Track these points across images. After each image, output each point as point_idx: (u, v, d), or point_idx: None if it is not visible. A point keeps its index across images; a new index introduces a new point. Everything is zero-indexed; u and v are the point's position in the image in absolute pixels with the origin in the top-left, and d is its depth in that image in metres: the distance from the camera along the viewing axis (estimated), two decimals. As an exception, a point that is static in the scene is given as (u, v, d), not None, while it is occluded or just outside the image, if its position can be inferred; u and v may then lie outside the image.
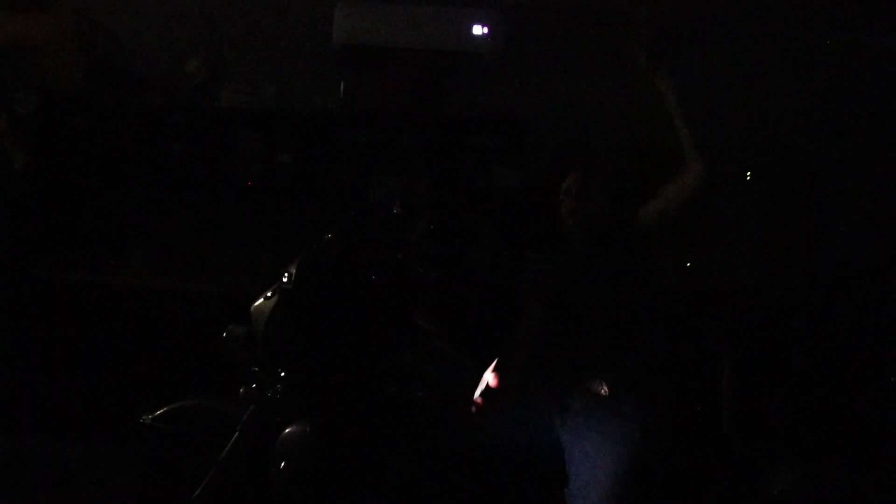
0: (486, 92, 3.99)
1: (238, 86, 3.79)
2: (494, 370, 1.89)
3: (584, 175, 2.14)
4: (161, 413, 2.20)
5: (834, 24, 3.96)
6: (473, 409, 1.89)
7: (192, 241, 3.76)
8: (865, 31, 3.95)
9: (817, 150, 3.93)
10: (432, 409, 1.98)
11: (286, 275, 2.05)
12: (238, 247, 3.71)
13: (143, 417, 2.21)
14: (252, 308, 2.16)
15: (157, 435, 2.19)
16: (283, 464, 1.89)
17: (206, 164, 3.71)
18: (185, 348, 3.29)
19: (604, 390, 1.91)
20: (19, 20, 3.67)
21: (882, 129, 3.90)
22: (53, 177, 3.70)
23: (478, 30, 3.61)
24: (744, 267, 3.83)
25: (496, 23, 3.64)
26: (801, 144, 3.93)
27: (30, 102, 3.60)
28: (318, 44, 3.96)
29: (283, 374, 2.03)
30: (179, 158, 3.71)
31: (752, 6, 3.96)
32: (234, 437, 2.02)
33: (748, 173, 3.91)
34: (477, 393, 1.90)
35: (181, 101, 3.81)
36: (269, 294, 2.13)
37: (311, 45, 4.01)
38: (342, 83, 3.75)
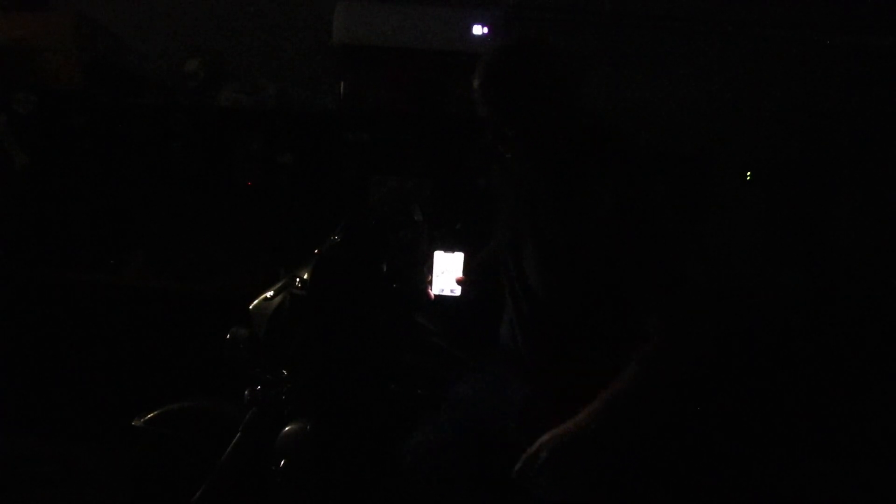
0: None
1: (238, 86, 3.80)
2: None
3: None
4: (152, 416, 2.18)
5: (834, 24, 3.96)
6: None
7: (192, 241, 3.75)
8: (865, 31, 3.95)
9: (817, 149, 3.93)
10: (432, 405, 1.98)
11: (297, 280, 2.03)
12: (238, 247, 3.71)
13: (135, 421, 2.19)
14: (251, 307, 2.15)
15: (149, 438, 2.18)
16: (282, 462, 1.88)
17: (206, 164, 3.70)
18: (184, 348, 3.29)
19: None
20: (19, 20, 3.67)
21: (882, 128, 3.90)
22: (53, 177, 3.69)
23: (478, 30, 3.61)
24: (744, 267, 3.83)
25: (496, 23, 3.63)
26: (801, 144, 3.93)
27: (30, 102, 3.60)
28: (318, 44, 3.97)
29: (285, 374, 2.03)
30: (179, 158, 3.70)
31: (753, 6, 3.96)
32: (236, 438, 2.01)
33: (748, 173, 3.91)
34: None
35: (181, 101, 3.82)
36: (268, 294, 2.12)
37: (311, 45, 4.01)
38: (342, 83, 3.75)
